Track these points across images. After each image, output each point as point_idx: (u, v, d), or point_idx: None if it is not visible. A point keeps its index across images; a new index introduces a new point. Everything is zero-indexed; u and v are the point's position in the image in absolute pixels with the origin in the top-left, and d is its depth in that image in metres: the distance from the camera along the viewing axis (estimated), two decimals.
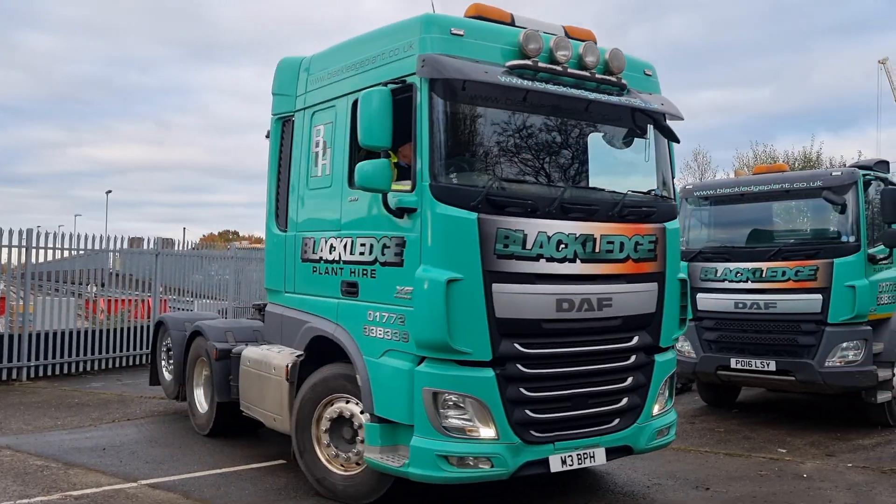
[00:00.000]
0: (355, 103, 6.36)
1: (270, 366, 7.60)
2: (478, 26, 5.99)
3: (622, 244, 6.33)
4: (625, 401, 6.38)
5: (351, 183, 6.47)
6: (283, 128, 7.65)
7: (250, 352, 8.24)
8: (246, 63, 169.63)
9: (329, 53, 7.11)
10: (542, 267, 5.92)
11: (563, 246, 6.00)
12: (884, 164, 11.41)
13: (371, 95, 5.71)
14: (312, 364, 6.96)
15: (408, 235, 5.82)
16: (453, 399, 5.63)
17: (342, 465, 6.64)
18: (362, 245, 6.31)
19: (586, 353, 6.18)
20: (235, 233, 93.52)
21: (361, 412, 6.37)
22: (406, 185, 5.87)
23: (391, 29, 6.22)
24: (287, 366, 7.29)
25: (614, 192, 6.52)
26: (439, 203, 5.62)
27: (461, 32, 5.86)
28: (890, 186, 10.28)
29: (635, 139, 6.76)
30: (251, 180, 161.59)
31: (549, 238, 5.92)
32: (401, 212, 5.79)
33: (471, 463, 5.64)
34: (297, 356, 7.34)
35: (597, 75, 6.31)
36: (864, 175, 10.04)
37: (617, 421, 6.33)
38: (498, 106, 5.98)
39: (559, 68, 6.09)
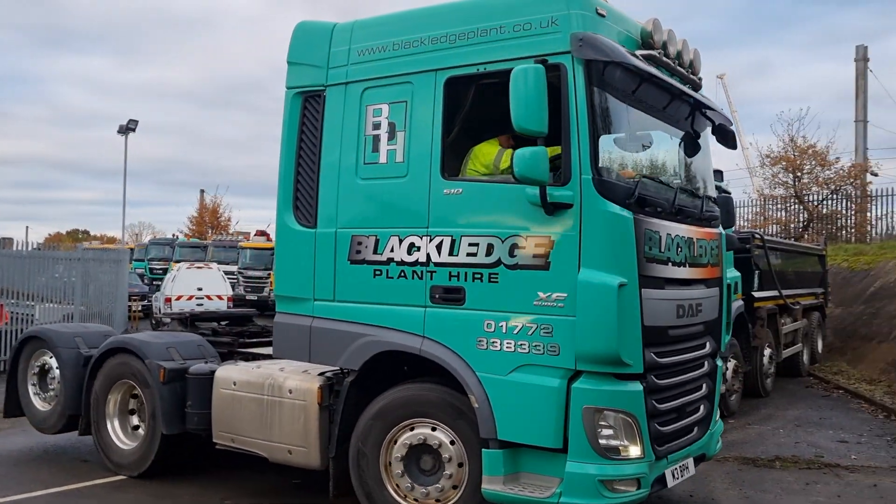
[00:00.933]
0: (453, 81, 5.59)
1: (282, 388, 6.37)
2: (612, 9, 5.50)
3: (706, 248, 6.23)
4: (702, 408, 6.26)
5: (445, 173, 5.63)
6: (306, 104, 6.41)
7: (233, 372, 6.84)
8: (99, 52, 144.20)
9: (393, 21, 6.08)
10: (670, 271, 5.62)
11: (679, 249, 5.75)
12: (718, 174, 12.64)
13: (526, 73, 4.97)
14: (357, 385, 6.00)
15: (557, 234, 5.16)
16: (612, 416, 5.09)
17: (416, 501, 5.72)
18: (472, 245, 5.47)
19: (688, 360, 5.97)
20: (86, 232, 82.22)
21: (451, 442, 5.55)
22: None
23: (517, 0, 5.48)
24: (318, 388, 6.15)
25: (704, 195, 6.40)
26: (602, 199, 5.06)
27: (604, 13, 5.36)
28: (724, 194, 11.40)
29: (700, 143, 6.67)
30: (105, 177, 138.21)
31: (672, 240, 5.63)
32: (550, 208, 5.11)
33: (621, 487, 5.14)
34: (327, 377, 6.23)
35: (690, 74, 6.16)
36: None
37: (696, 429, 6.18)
38: (630, 97, 5.53)
39: (672, 63, 5.84)
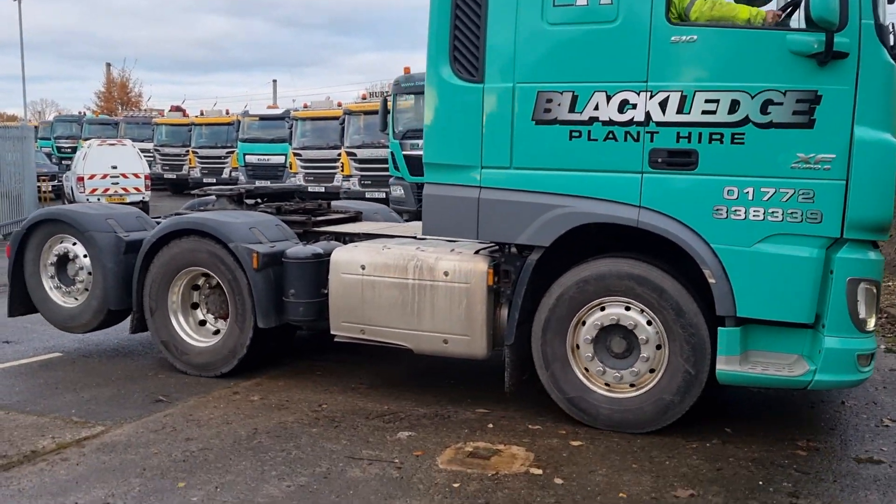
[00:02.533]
0: None
1: (434, 270, 5.59)
2: None
3: None
4: None
5: (671, 17, 4.85)
6: None
7: (359, 254, 5.94)
8: None
9: None
10: None
11: None
12: None
13: None
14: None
15: (826, 88, 4.58)
16: (866, 288, 4.74)
17: (607, 385, 5.23)
18: (710, 102, 4.79)
19: None
20: None
21: (648, 323, 5.07)
22: None
23: None
24: (489, 268, 5.41)
25: None
26: (882, 48, 4.52)
27: None
28: None
29: None
30: (2, 49, 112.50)
31: None
32: (828, 57, 4.50)
33: (866, 363, 4.86)
34: (491, 255, 5.51)
35: None
36: None
37: None
38: None
39: None
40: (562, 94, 5.11)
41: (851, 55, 4.49)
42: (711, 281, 4.85)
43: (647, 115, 4.92)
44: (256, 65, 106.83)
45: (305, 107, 23.93)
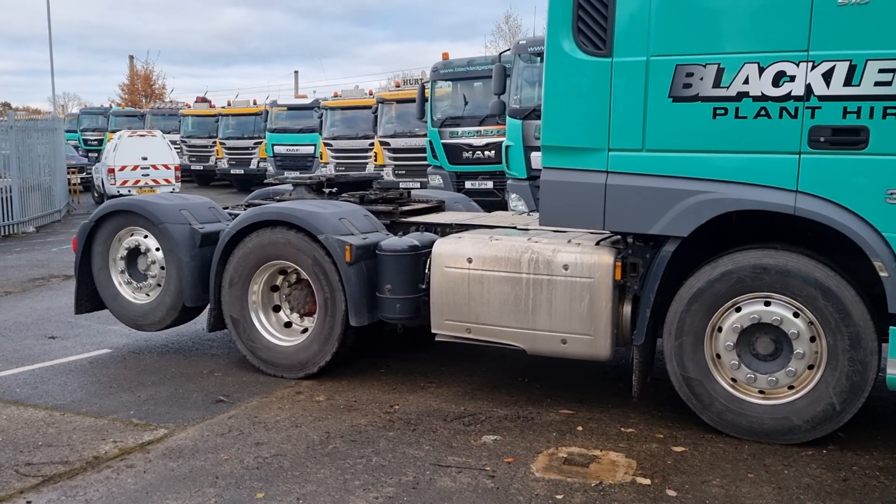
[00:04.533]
0: None
1: (551, 264, 5.08)
2: None
3: None
4: None
5: None
6: None
7: (464, 246, 5.44)
8: None
9: None
10: None
11: None
12: None
13: None
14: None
15: None
16: None
17: (761, 393, 4.71)
18: (885, 72, 4.24)
19: None
20: (7, 105, 69.23)
21: (794, 315, 4.56)
22: None
23: None
24: (616, 262, 4.90)
25: None
26: None
27: None
28: None
29: None
30: (20, 44, 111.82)
31: None
32: None
33: None
34: (617, 246, 5.02)
35: None
36: None
37: None
38: None
39: None
40: (705, 66, 4.58)
41: None
42: (883, 275, 4.32)
43: (808, 88, 4.39)
44: (276, 56, 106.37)
45: (336, 96, 23.43)
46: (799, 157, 4.46)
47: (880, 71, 4.25)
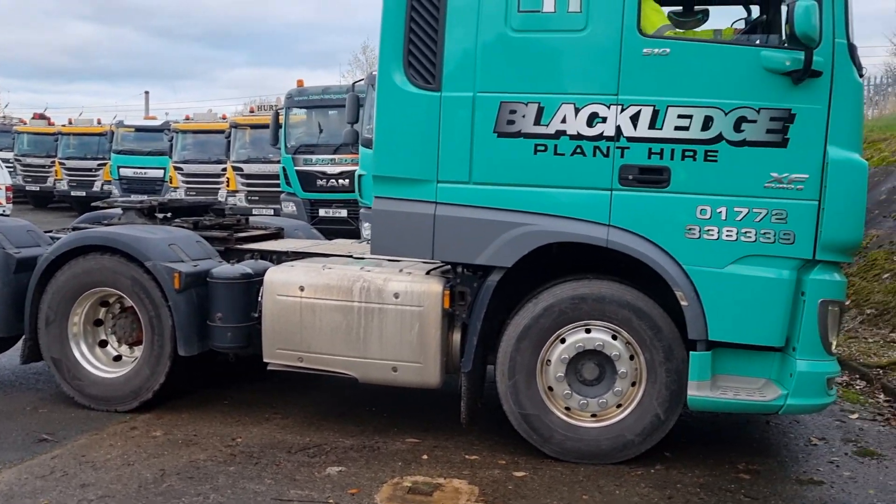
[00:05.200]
0: None
1: (383, 292, 5.16)
2: None
3: None
4: None
5: (641, 28, 4.68)
6: None
7: (296, 274, 5.44)
8: None
9: None
10: None
11: None
12: None
13: None
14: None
15: (800, 107, 4.51)
16: (835, 310, 4.70)
17: (594, 417, 4.97)
18: (683, 117, 4.63)
19: None
20: None
21: (613, 337, 4.89)
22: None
23: None
24: (444, 290, 5.05)
25: None
26: (853, 67, 4.50)
27: None
28: None
29: None
30: None
31: None
32: (805, 76, 4.43)
33: (831, 385, 4.82)
34: (447, 275, 5.18)
35: None
36: None
37: None
38: None
39: None
40: (527, 105, 4.82)
41: (825, 74, 4.45)
42: (684, 303, 4.68)
43: (618, 129, 4.71)
44: (126, 75, 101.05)
45: (188, 119, 22.72)
46: (611, 193, 4.76)
47: (679, 116, 4.63)
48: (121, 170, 23.07)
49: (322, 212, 15.65)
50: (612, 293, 4.85)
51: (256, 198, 19.13)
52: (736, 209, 4.61)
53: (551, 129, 4.80)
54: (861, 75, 4.61)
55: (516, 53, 4.84)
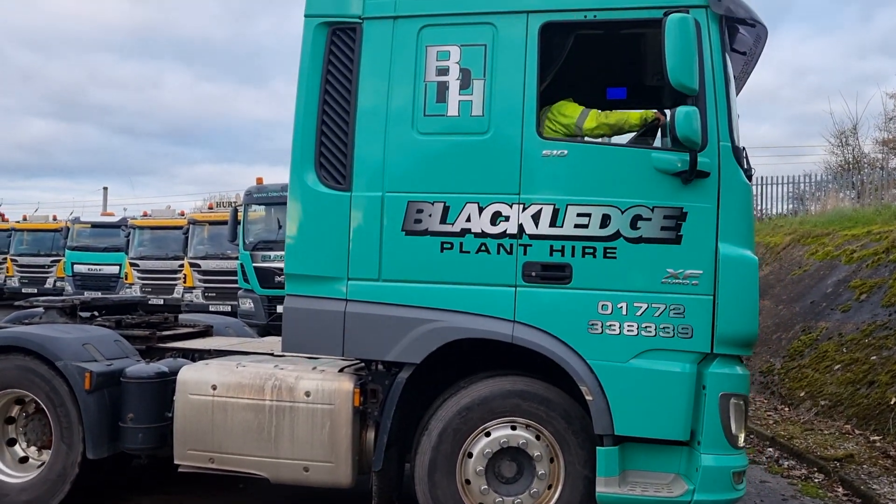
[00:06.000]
0: (550, 27, 4.91)
1: (294, 390, 5.15)
2: None
3: None
4: None
5: (541, 130, 4.89)
6: (334, 38, 5.18)
7: (208, 373, 5.40)
8: None
9: None
10: None
11: None
12: None
13: (685, 23, 4.45)
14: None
15: (691, 206, 4.69)
16: (738, 403, 4.75)
17: None
18: (582, 216, 4.78)
19: None
20: None
21: (537, 437, 4.86)
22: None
23: None
24: (355, 388, 5.05)
25: None
26: (738, 168, 4.72)
27: None
28: None
29: None
30: None
31: None
32: (692, 176, 4.63)
33: (739, 479, 4.82)
34: (357, 374, 5.18)
35: None
36: None
37: None
38: (738, 61, 5.27)
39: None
40: (433, 204, 4.96)
41: (712, 175, 4.65)
42: (589, 398, 4.70)
43: (521, 227, 4.84)
44: (85, 171, 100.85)
45: (145, 215, 22.76)
46: (515, 289, 4.85)
47: (578, 215, 4.78)
48: (75, 266, 22.80)
49: (280, 308, 15.55)
50: (492, 390, 4.90)
51: (213, 294, 19.07)
52: (636, 304, 4.71)
53: (457, 228, 4.92)
54: (749, 177, 4.82)
55: (422, 155, 5.01)
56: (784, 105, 56.65)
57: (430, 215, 4.96)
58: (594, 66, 5.73)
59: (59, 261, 24.47)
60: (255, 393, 5.18)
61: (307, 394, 5.09)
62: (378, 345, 5.01)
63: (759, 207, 21.92)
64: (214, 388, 5.25)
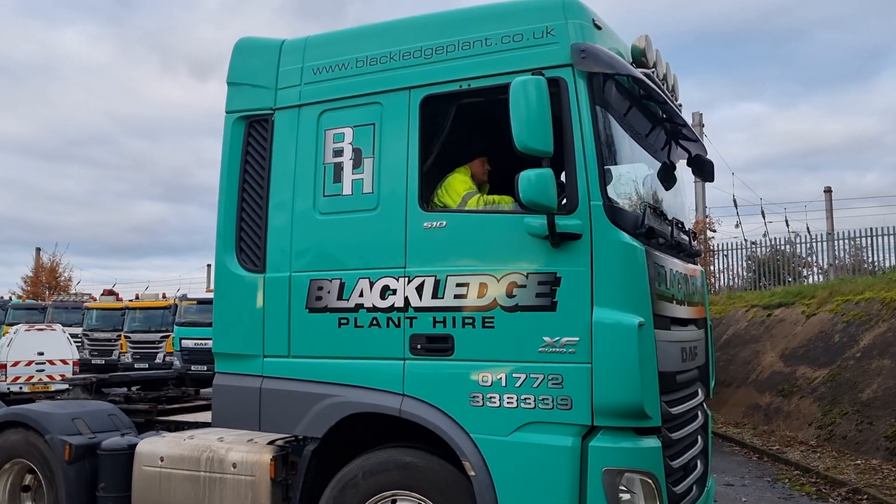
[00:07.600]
0: (431, 100, 4.92)
1: (224, 462, 5.39)
2: (605, 23, 4.99)
3: (696, 284, 5.74)
4: (699, 465, 5.65)
5: (424, 204, 4.91)
6: (250, 130, 5.56)
7: (159, 445, 5.78)
8: None
9: (354, 36, 5.37)
10: (675, 310, 5.06)
11: (680, 285, 5.22)
12: None
13: (527, 85, 4.35)
14: (319, 455, 5.11)
15: (564, 270, 4.49)
16: (632, 479, 4.39)
17: None
18: (461, 286, 4.72)
19: (689, 410, 5.36)
20: None
21: None
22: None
23: (503, 9, 4.88)
24: (270, 460, 5.20)
25: (690, 230, 5.91)
26: (614, 228, 4.45)
27: (601, 25, 4.83)
28: None
29: (675, 175, 6.17)
30: None
31: (674, 276, 5.09)
32: (557, 239, 4.45)
33: None
34: (279, 446, 5.32)
35: (673, 99, 5.71)
36: None
37: (695, 489, 5.54)
38: (623, 118, 4.99)
39: (660, 84, 5.37)
40: (331, 281, 5.10)
41: (584, 236, 4.43)
42: (472, 473, 4.56)
43: (406, 300, 4.86)
44: (189, 249, 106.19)
45: None
46: (404, 362, 4.85)
47: (457, 285, 4.73)
48: (182, 341, 23.42)
49: None
50: (378, 460, 4.87)
51: None
52: (514, 375, 4.54)
53: (351, 303, 5.02)
54: (637, 234, 4.52)
55: (322, 234, 5.19)
56: (889, 151, 50.56)
57: (328, 292, 5.10)
58: (493, 129, 5.65)
59: (167, 336, 25.46)
60: (193, 464, 5.50)
61: (234, 465, 5.34)
62: (287, 420, 5.17)
63: (869, 259, 21.22)
64: (162, 459, 5.64)
